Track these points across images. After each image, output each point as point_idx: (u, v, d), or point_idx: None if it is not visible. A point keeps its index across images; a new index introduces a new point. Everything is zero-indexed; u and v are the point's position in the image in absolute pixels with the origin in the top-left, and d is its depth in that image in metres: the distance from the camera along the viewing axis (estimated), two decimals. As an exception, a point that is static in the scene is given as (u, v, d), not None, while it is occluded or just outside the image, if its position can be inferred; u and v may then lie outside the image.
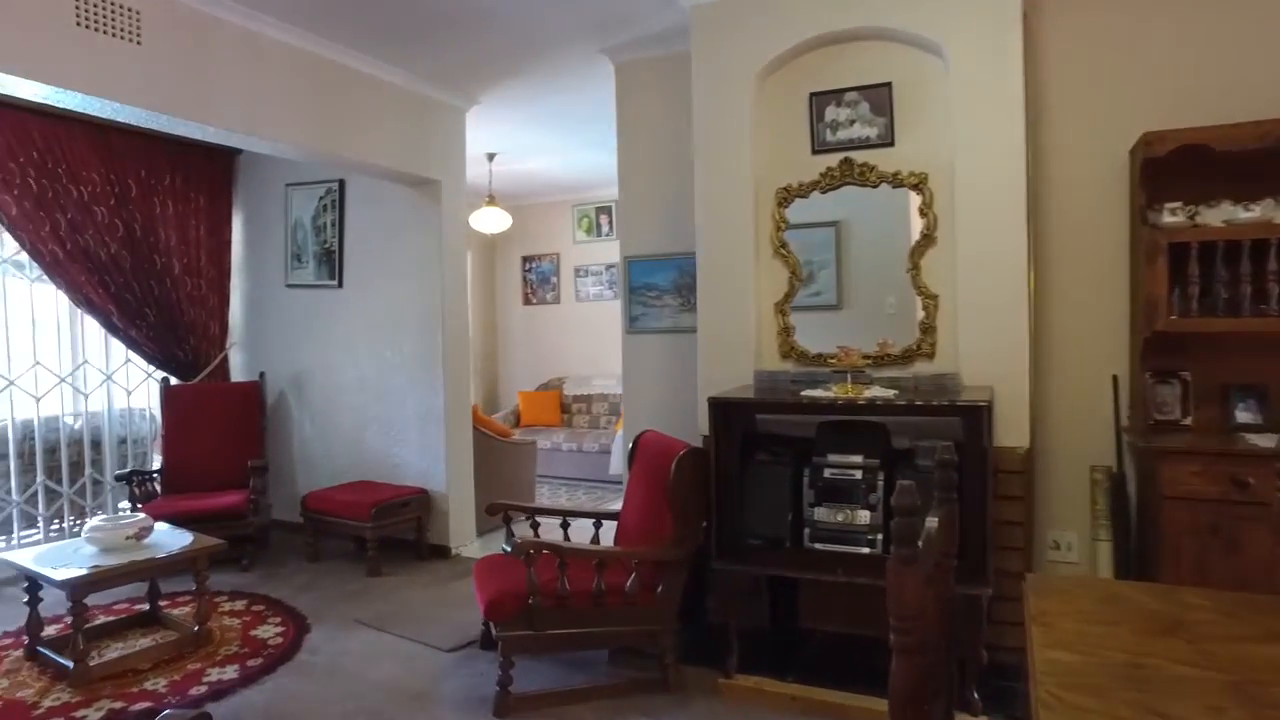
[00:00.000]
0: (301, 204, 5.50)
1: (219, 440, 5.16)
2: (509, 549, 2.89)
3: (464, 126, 5.09)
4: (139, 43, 3.28)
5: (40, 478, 4.85)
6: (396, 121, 4.57)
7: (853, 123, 3.38)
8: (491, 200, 6.63)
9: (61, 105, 3.32)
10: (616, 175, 4.36)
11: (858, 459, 2.92)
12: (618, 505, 3.74)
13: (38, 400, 4.84)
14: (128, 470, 4.73)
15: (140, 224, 5.20)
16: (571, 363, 8.71)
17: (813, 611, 3.39)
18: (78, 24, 3.10)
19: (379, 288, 5.13)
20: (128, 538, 3.42)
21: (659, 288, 4.17)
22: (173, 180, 5.40)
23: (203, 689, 3.14)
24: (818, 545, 2.97)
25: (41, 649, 3.44)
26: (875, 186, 3.31)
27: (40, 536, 4.83)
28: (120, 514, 3.71)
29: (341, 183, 5.30)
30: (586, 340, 8.61)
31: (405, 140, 4.63)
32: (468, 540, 5.04)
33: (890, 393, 2.89)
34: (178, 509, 4.49)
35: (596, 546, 3.26)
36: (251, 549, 4.74)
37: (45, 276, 4.78)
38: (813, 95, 3.42)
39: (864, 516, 2.88)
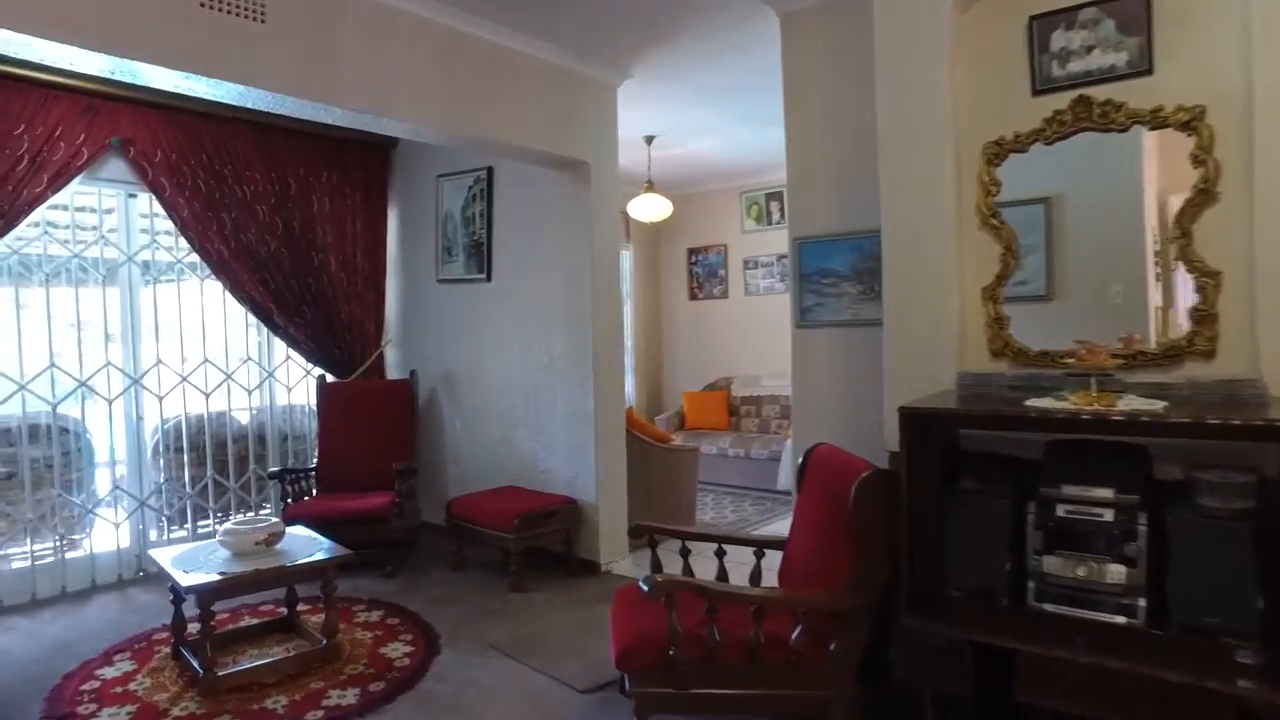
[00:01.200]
0: (451, 195, 5.35)
1: (372, 439, 5.09)
2: (645, 588, 2.43)
3: (615, 104, 4.70)
4: (263, 21, 3.12)
5: (210, 472, 4.98)
6: (541, 98, 4.25)
7: (1090, 49, 2.62)
8: (650, 186, 6.23)
9: (193, 94, 3.24)
10: (783, 161, 3.79)
11: (1107, 493, 2.19)
12: (786, 523, 3.18)
13: (206, 396, 4.96)
14: (279, 469, 4.72)
15: (299, 221, 5.24)
16: (740, 361, 8.18)
17: (1034, 682, 2.66)
18: (202, 5, 2.97)
19: (527, 281, 4.85)
20: (258, 543, 3.29)
21: (835, 273, 3.55)
22: (329, 176, 5.41)
23: (319, 714, 2.91)
24: (1046, 605, 2.27)
25: (183, 650, 3.40)
26: (1124, 130, 2.53)
27: (210, 528, 4.97)
28: (258, 517, 3.62)
29: (490, 170, 5.08)
30: (756, 337, 8.04)
31: (551, 118, 4.30)
32: (619, 555, 4.65)
33: (1157, 404, 2.14)
34: (322, 510, 4.42)
35: (753, 590, 2.72)
36: (396, 555, 4.60)
37: (212, 276, 4.89)
38: (1033, 19, 2.69)
39: (1116, 572, 2.15)
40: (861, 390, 3.35)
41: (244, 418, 5.30)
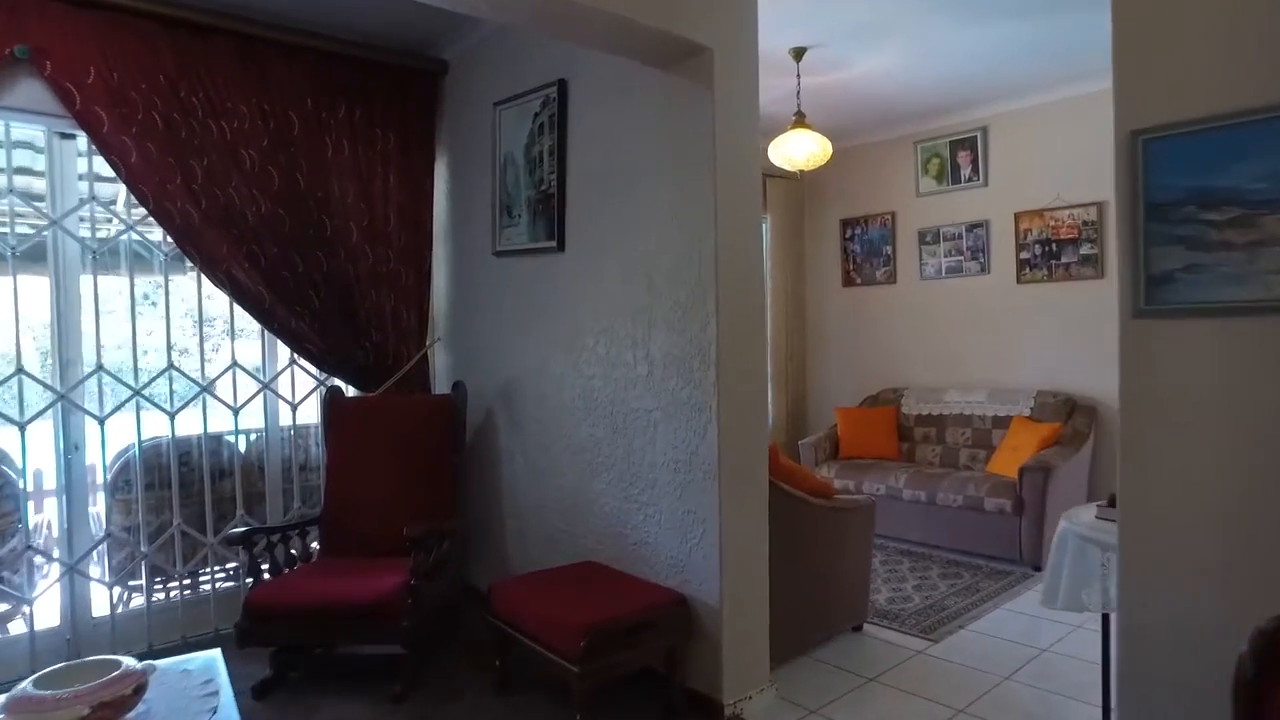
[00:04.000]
0: (512, 128, 3.82)
1: (398, 480, 3.64)
2: None
3: (753, -39, 3.03)
4: None
5: (176, 520, 3.66)
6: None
7: None
8: (800, 119, 4.51)
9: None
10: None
11: None
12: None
13: (171, 416, 3.64)
14: (245, 529, 3.27)
15: (305, 173, 3.85)
16: (913, 369, 6.30)
17: None
18: None
19: (616, 249, 3.24)
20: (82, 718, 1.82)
21: (1240, 198, 1.74)
22: (351, 112, 3.99)
23: None
24: None
25: None
26: None
27: (180, 595, 3.65)
28: (96, 659, 2.12)
29: (561, 85, 3.50)
30: (936, 335, 6.14)
31: (648, -27, 2.67)
32: (755, 685, 2.97)
33: None
34: (299, 598, 2.97)
35: None
36: (415, 662, 3.11)
37: (177, 250, 3.56)
38: None
39: None
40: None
41: (239, 445, 3.98)
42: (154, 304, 3.89)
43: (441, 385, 4.32)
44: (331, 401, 3.82)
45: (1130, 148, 1.83)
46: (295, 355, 3.95)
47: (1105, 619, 2.48)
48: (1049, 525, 4.69)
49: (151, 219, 3.48)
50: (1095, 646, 3.61)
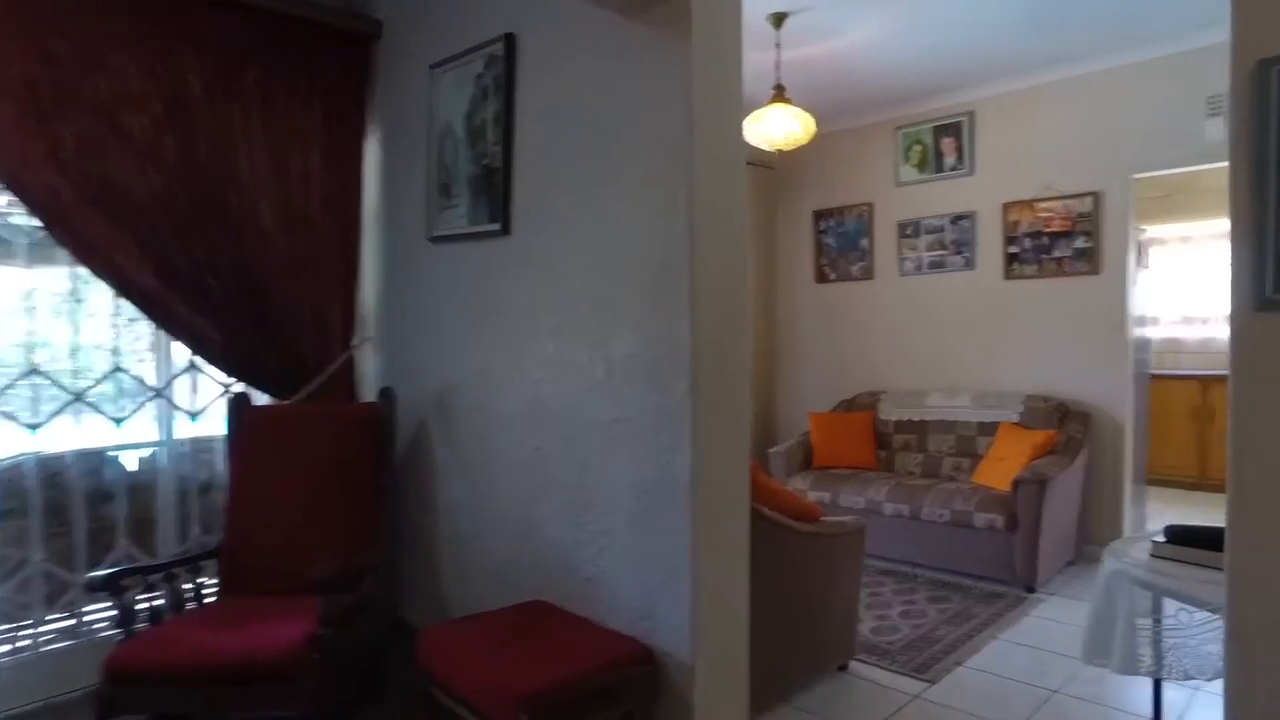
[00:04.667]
0: (452, 94, 3.30)
1: (310, 502, 3.10)
2: None
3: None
4: None
5: (40, 557, 3.08)
6: None
7: None
8: (780, 93, 4.06)
9: None
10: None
11: None
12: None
13: (33, 430, 3.06)
14: (108, 572, 2.69)
15: (206, 143, 3.29)
16: (891, 371, 5.90)
17: None
18: None
19: (570, 234, 2.75)
20: None
21: None
22: (265, 75, 3.44)
23: None
24: None
25: None
26: None
27: (33, 646, 3.07)
28: None
29: (509, 40, 3.00)
30: (917, 335, 5.75)
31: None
32: (733, 746, 2.51)
33: None
34: (178, 658, 2.42)
35: None
36: (325, 731, 2.58)
37: (46, 233, 2.98)
38: None
39: None
40: None
41: (127, 464, 3.41)
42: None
43: (372, 391, 3.79)
44: (237, 411, 3.27)
45: (1260, 81, 1.39)
46: (195, 357, 3.39)
47: (1156, 683, 2.06)
48: (1045, 543, 4.31)
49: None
50: (1107, 686, 3.22)
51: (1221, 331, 7.54)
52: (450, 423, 3.34)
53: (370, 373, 3.86)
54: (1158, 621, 1.91)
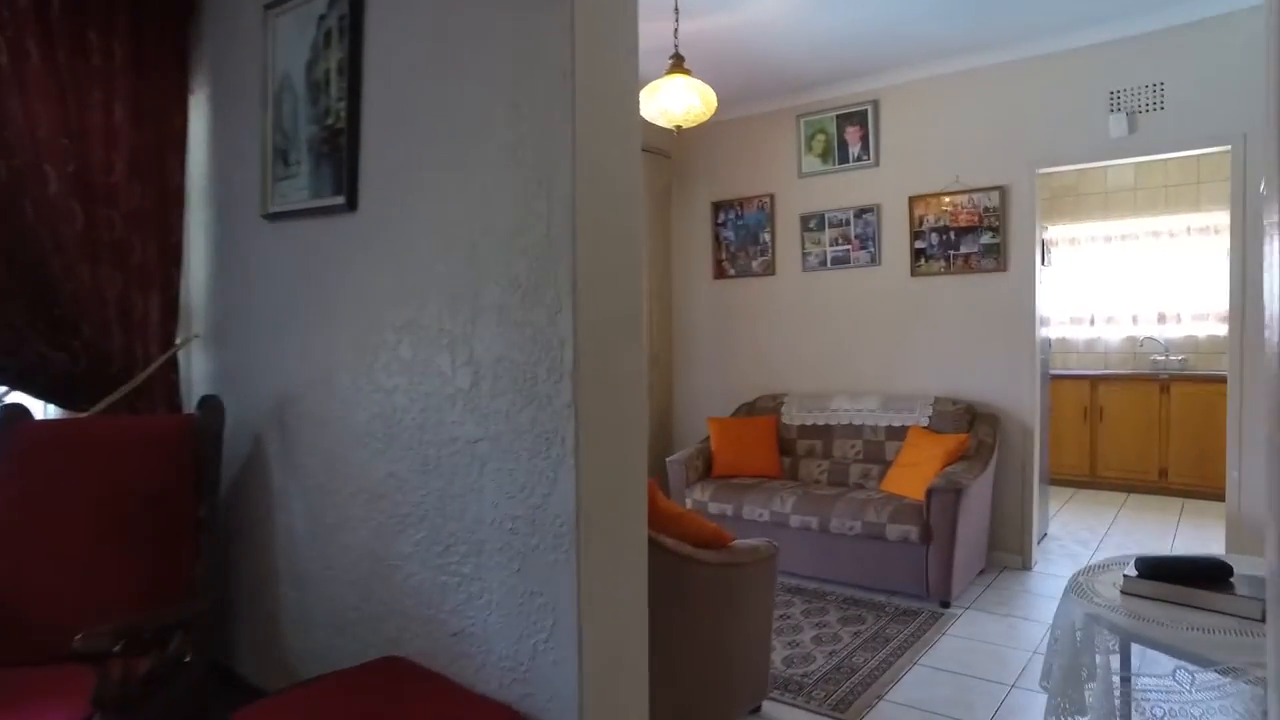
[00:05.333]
0: (291, 39, 2.74)
1: (102, 542, 2.48)
2: None
3: None
4: None
5: None
6: None
7: None
8: (679, 63, 3.65)
9: None
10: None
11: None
12: None
13: None
14: None
15: (-34, 87, 2.62)
16: (795, 372, 5.62)
17: None
18: None
19: (425, 205, 2.25)
20: None
21: None
22: (50, 11, 2.78)
23: None
24: None
25: None
26: None
27: None
28: None
29: (354, -28, 2.47)
30: (822, 334, 5.49)
31: None
32: (629, 833, 2.07)
33: None
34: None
35: None
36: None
37: None
38: None
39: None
40: None
41: None
42: None
43: (192, 406, 3.16)
44: (9, 427, 2.61)
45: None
46: (-45, 359, 2.71)
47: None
48: (959, 554, 4.07)
49: None
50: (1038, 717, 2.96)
51: (1108, 332, 7.68)
52: (291, 440, 2.77)
53: (198, 378, 3.23)
54: (1129, 681, 1.59)
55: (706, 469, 5.22)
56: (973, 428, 4.65)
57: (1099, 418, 6.98)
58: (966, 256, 4.85)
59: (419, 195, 2.26)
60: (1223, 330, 7.04)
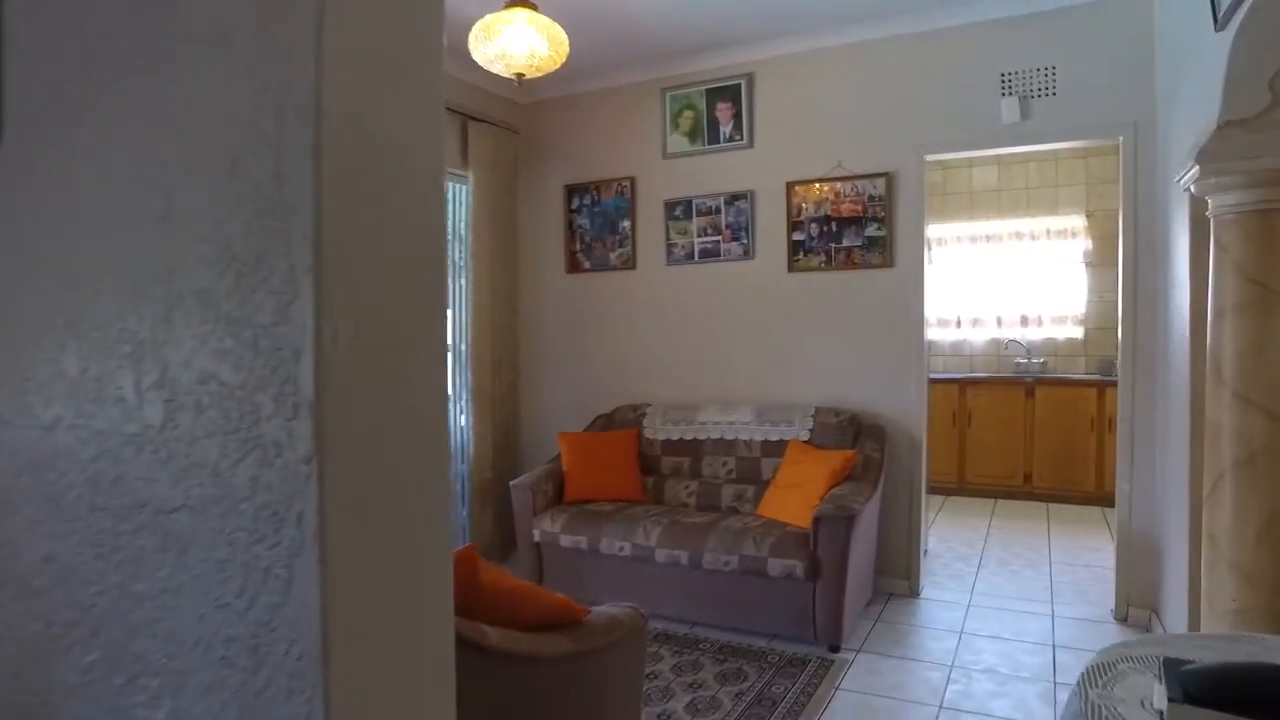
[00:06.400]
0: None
1: None
2: None
3: None
4: None
5: None
6: None
7: None
8: (519, -6, 2.93)
9: None
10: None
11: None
12: None
13: None
14: None
15: None
16: (659, 379, 5.01)
17: None
18: None
19: (101, 141, 1.42)
20: None
21: None
22: None
23: None
24: None
25: None
26: None
27: None
28: None
29: None
30: (689, 336, 4.91)
31: None
32: None
33: None
34: None
35: None
36: None
37: None
38: None
39: None
40: None
41: None
42: None
43: None
44: None
45: None
46: None
47: None
48: (851, 589, 3.57)
49: None
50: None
51: (974, 335, 7.56)
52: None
53: None
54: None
55: (558, 493, 4.51)
56: (858, 442, 4.18)
57: (967, 422, 6.81)
58: (849, 250, 4.39)
59: (91, 124, 1.44)
60: (1079, 334, 7.05)
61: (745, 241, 4.67)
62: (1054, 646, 3.64)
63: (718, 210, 4.75)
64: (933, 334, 7.57)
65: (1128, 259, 3.92)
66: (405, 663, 1.26)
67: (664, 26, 4.26)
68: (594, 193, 5.16)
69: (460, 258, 5.01)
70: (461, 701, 1.27)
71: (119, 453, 1.41)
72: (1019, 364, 7.20)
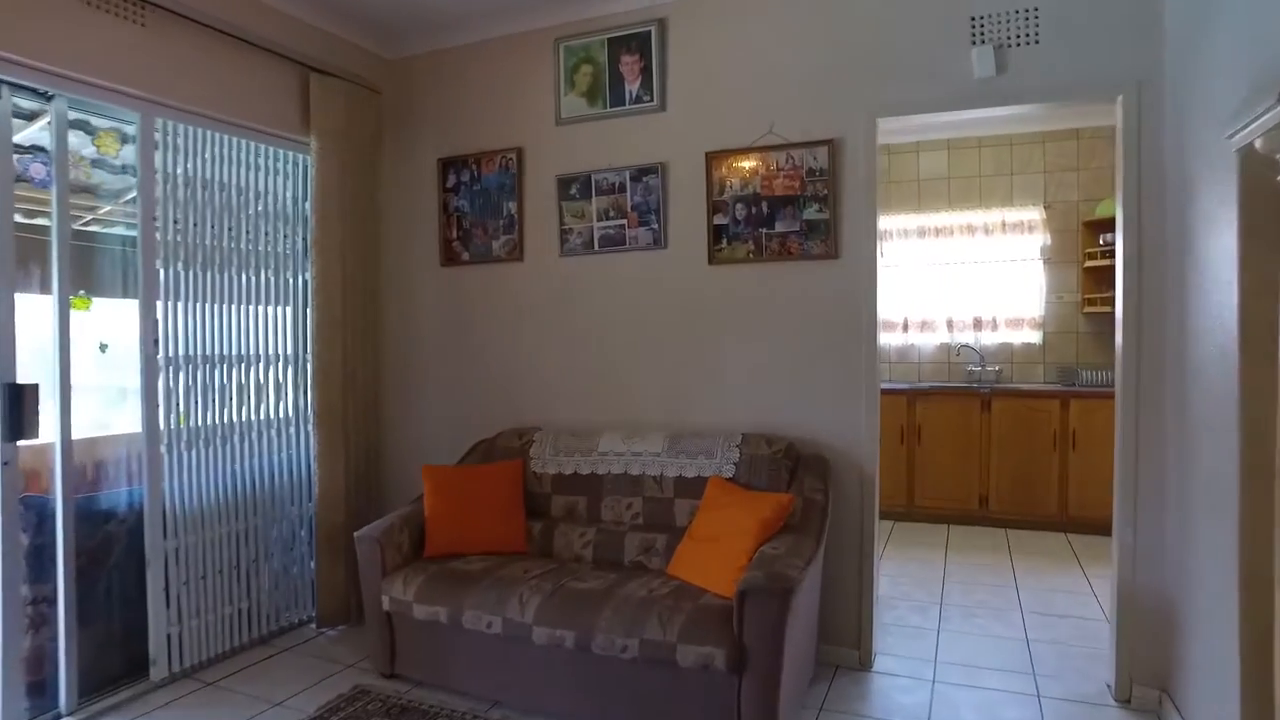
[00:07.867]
0: None
1: None
2: None
3: None
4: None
5: None
6: None
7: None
8: None
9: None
10: None
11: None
12: None
13: None
14: None
15: None
16: (550, 397, 4.08)
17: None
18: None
19: None
20: None
21: None
22: None
23: None
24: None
25: None
26: None
27: None
28: None
29: None
30: (587, 345, 3.99)
31: None
32: None
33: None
34: None
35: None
36: None
37: None
38: None
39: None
40: None
41: None
42: None
43: None
44: None
45: None
46: None
47: None
48: (788, 680, 2.70)
49: None
50: None
51: (922, 340, 6.85)
52: None
53: None
54: None
55: (417, 546, 3.55)
56: (796, 479, 3.33)
57: (917, 439, 6.06)
58: (784, 237, 3.54)
59: None
60: (1037, 338, 6.39)
61: (655, 227, 3.78)
62: (1046, 745, 2.84)
63: (622, 188, 3.85)
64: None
65: (1129, 253, 3.16)
66: None
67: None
68: (474, 167, 4.21)
69: (297, 246, 4.00)
70: None
71: None
72: (971, 371, 6.51)
